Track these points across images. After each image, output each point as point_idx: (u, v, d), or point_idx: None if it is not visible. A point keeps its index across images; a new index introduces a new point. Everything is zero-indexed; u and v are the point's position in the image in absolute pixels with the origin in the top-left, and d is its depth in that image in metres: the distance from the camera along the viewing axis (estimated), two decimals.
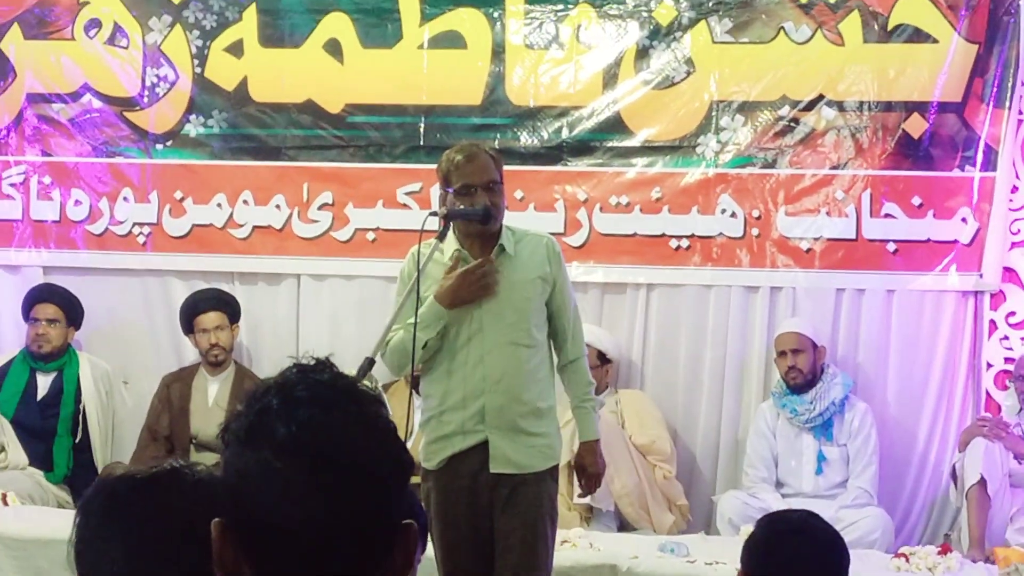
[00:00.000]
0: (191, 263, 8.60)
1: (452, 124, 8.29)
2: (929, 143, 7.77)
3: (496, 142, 8.01)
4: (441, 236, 5.39)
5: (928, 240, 7.79)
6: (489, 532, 5.40)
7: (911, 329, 7.84)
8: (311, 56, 8.45)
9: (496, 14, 8.22)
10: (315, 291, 8.50)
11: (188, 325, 8.27)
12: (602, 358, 7.78)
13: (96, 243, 8.70)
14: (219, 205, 8.54)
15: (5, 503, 7.23)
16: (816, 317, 7.83)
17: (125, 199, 8.65)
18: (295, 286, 8.53)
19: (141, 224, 8.63)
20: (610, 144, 8.13)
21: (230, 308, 8.28)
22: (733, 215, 7.96)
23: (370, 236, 8.36)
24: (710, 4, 8.00)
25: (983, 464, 7.10)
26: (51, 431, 8.20)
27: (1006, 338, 7.74)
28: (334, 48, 8.42)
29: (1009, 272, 7.74)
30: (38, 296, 8.41)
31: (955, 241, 7.74)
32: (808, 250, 7.89)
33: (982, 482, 7.08)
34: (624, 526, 7.60)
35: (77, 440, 8.21)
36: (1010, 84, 7.67)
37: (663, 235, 8.04)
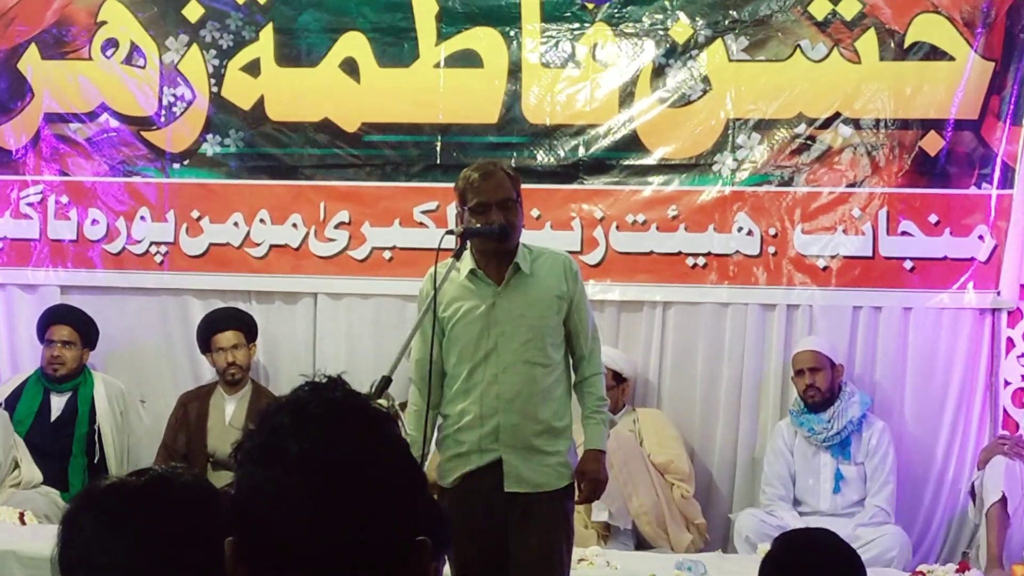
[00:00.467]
0: (208, 282, 8.61)
1: (468, 143, 8.29)
2: (946, 161, 7.75)
3: (512, 161, 8.02)
4: (457, 255, 5.39)
5: (945, 258, 7.77)
6: (504, 550, 5.40)
7: (928, 347, 7.83)
8: (328, 75, 8.46)
9: (512, 33, 8.22)
10: (332, 310, 8.50)
11: (205, 344, 8.27)
12: (617, 378, 7.78)
13: (113, 262, 8.71)
14: (236, 224, 8.55)
15: (23, 522, 7.24)
16: (833, 335, 7.81)
17: (142, 218, 8.66)
18: (312, 305, 8.54)
19: (158, 243, 8.65)
20: (626, 162, 8.13)
21: (247, 327, 8.29)
22: (750, 233, 7.95)
23: (387, 255, 8.36)
24: (726, 22, 8.00)
25: (1004, 482, 7.08)
26: (66, 451, 8.20)
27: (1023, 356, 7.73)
28: (351, 67, 8.43)
29: None
30: (53, 317, 8.41)
31: (972, 259, 7.73)
32: (825, 268, 7.87)
33: (1002, 500, 7.06)
34: (641, 544, 7.58)
35: (95, 460, 8.22)
36: None
37: (680, 253, 8.03)
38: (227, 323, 8.25)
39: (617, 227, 8.09)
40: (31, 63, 8.81)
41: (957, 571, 6.51)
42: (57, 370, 8.29)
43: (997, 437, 7.53)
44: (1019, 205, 7.67)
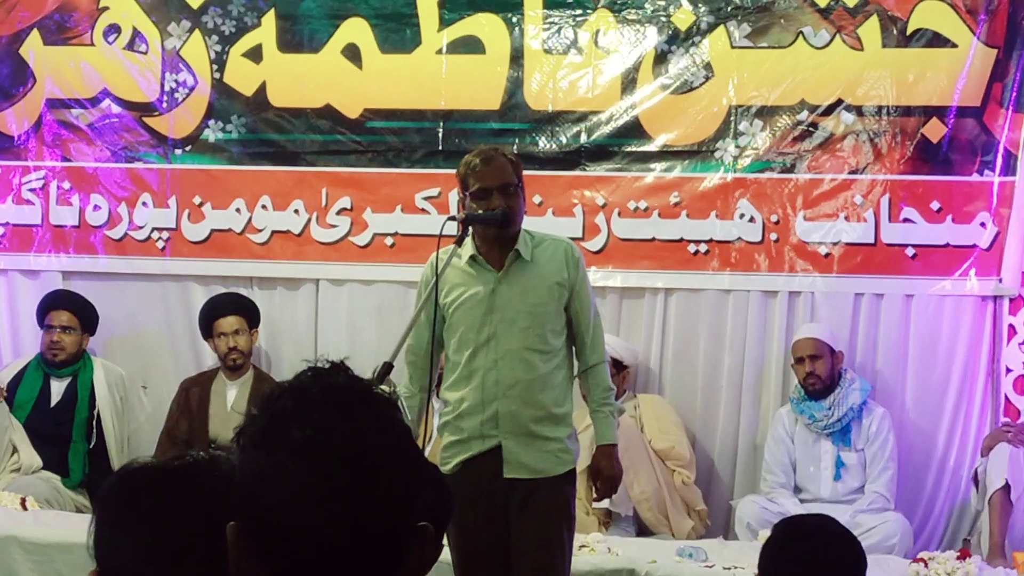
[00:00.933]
0: (210, 268, 8.62)
1: (470, 129, 8.29)
2: (948, 148, 7.75)
3: (515, 147, 8.02)
4: (459, 241, 5.39)
5: (947, 245, 7.77)
6: (505, 537, 5.41)
7: (930, 334, 7.83)
8: (330, 61, 8.46)
9: (515, 19, 8.22)
10: (334, 296, 8.50)
11: (207, 329, 8.28)
12: (617, 365, 7.76)
13: (115, 248, 8.72)
14: (238, 210, 8.56)
15: (24, 507, 7.25)
16: (834, 322, 7.82)
17: (144, 204, 8.67)
18: (314, 291, 8.54)
19: (160, 229, 8.65)
20: (628, 149, 8.13)
21: (249, 313, 8.30)
22: (751, 220, 7.95)
23: (388, 241, 8.37)
24: (728, 9, 8.00)
25: (1008, 469, 7.08)
26: (65, 437, 8.20)
27: None
28: (353, 53, 8.43)
29: None
30: (52, 303, 8.41)
31: (974, 246, 7.73)
32: (827, 255, 7.87)
33: (1006, 487, 7.06)
34: (643, 531, 7.59)
35: (92, 445, 8.22)
36: None
37: (681, 240, 8.04)
38: (229, 308, 8.26)
39: (619, 214, 8.09)
40: (33, 49, 8.81)
41: (958, 558, 6.51)
42: (56, 355, 8.29)
43: (1001, 424, 7.54)
44: (1021, 192, 7.67)
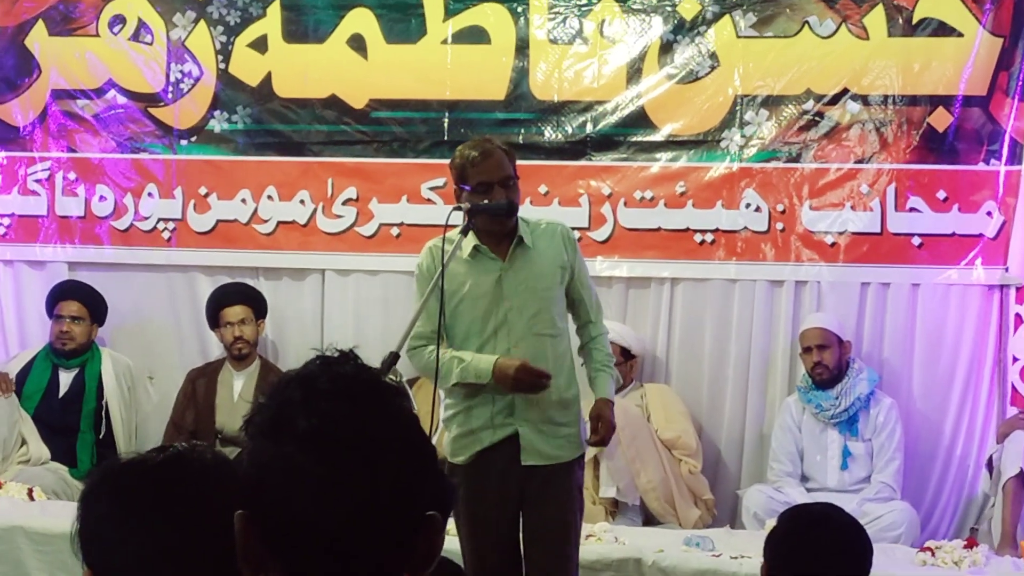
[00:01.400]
0: (216, 259, 8.62)
1: (476, 119, 8.29)
2: (954, 137, 7.74)
3: (520, 137, 8.04)
4: (465, 231, 5.41)
5: (953, 234, 7.76)
6: (516, 525, 5.42)
7: (936, 323, 7.82)
8: (335, 51, 8.45)
9: (520, 9, 8.21)
10: (340, 286, 8.51)
11: (214, 319, 8.29)
12: (625, 354, 7.77)
13: (121, 239, 8.72)
14: (243, 201, 8.56)
15: (31, 498, 7.27)
16: (841, 311, 7.81)
17: (150, 195, 8.67)
18: (320, 281, 8.54)
19: (166, 220, 8.65)
20: (634, 139, 8.12)
21: (256, 303, 8.30)
22: (758, 209, 7.95)
23: (394, 231, 8.37)
24: None
25: (1023, 458, 7.08)
26: (74, 427, 8.22)
27: None
28: (358, 43, 8.42)
29: None
30: (62, 293, 8.42)
31: (980, 235, 7.72)
32: (833, 244, 7.87)
33: (1020, 475, 7.06)
34: (649, 520, 7.59)
35: (100, 436, 8.23)
36: None
37: (687, 229, 8.03)
38: (236, 298, 8.27)
39: (625, 203, 8.09)
40: (38, 39, 8.81)
41: (965, 547, 6.52)
42: (66, 344, 8.30)
43: (1019, 412, 7.52)
44: None
